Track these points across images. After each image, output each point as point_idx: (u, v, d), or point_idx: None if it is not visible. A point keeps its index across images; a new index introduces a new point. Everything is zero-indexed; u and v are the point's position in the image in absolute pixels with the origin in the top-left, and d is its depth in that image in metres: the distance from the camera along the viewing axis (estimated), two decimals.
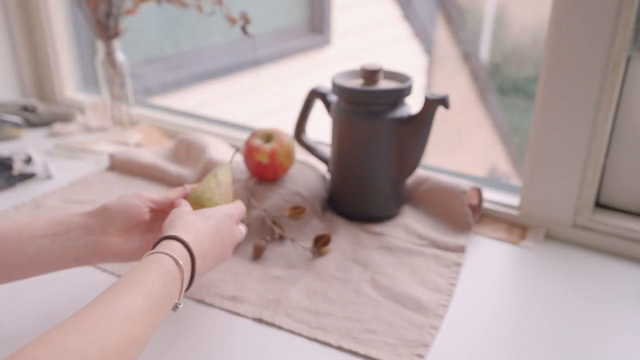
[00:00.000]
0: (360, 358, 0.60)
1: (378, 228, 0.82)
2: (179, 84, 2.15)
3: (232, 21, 0.99)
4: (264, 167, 0.82)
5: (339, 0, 2.81)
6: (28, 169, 0.96)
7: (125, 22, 1.09)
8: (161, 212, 0.64)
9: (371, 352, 0.60)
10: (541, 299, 0.70)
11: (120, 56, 1.12)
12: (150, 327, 0.46)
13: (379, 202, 0.83)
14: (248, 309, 0.67)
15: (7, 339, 0.61)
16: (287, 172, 0.85)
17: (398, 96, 0.78)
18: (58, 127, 1.17)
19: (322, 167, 0.92)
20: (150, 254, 0.51)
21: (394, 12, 3.29)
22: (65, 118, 1.23)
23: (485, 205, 0.87)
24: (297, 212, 0.79)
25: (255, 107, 2.38)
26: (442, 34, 3.67)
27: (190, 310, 0.66)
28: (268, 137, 0.83)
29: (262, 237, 0.78)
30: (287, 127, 0.91)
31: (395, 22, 3.32)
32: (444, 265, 0.75)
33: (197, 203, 0.64)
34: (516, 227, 0.85)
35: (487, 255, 0.79)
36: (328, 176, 0.90)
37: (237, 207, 0.64)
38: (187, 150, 1.02)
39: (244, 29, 0.99)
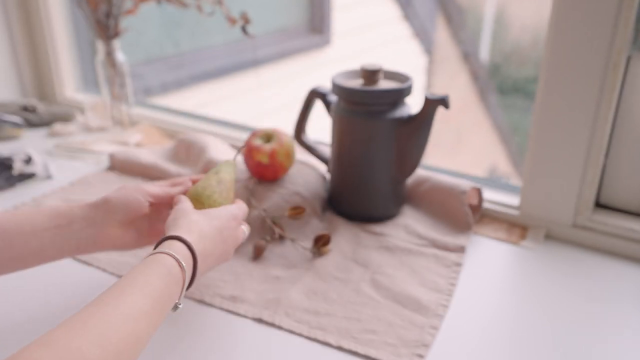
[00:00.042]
0: (360, 358, 0.60)
1: (378, 228, 0.82)
2: (179, 84, 2.15)
3: (232, 21, 0.99)
4: (264, 167, 0.82)
5: (339, 0, 2.81)
6: (28, 169, 0.96)
7: (125, 22, 1.09)
8: (160, 204, 0.65)
9: (371, 352, 0.60)
10: (541, 299, 0.70)
11: (120, 56, 1.12)
12: (151, 327, 0.46)
13: (379, 202, 0.83)
14: (248, 309, 0.67)
15: (3, 335, 0.61)
16: (287, 172, 0.85)
17: (398, 96, 0.78)
18: (58, 127, 1.17)
19: (322, 167, 0.92)
20: (152, 254, 0.51)
21: (394, 12, 3.29)
22: (65, 118, 1.23)
23: (485, 205, 0.87)
24: (297, 212, 0.79)
25: (255, 107, 2.38)
26: (442, 34, 3.67)
27: (190, 310, 0.66)
28: (268, 137, 0.83)
29: (262, 237, 0.78)
30: (287, 127, 0.91)
31: (395, 22, 3.32)
32: (444, 265, 0.75)
33: (197, 200, 0.63)
34: (516, 227, 0.85)
35: (487, 255, 0.79)
36: (328, 176, 0.90)
37: (241, 208, 0.65)
38: (187, 150, 1.02)
39: (244, 29, 0.99)
